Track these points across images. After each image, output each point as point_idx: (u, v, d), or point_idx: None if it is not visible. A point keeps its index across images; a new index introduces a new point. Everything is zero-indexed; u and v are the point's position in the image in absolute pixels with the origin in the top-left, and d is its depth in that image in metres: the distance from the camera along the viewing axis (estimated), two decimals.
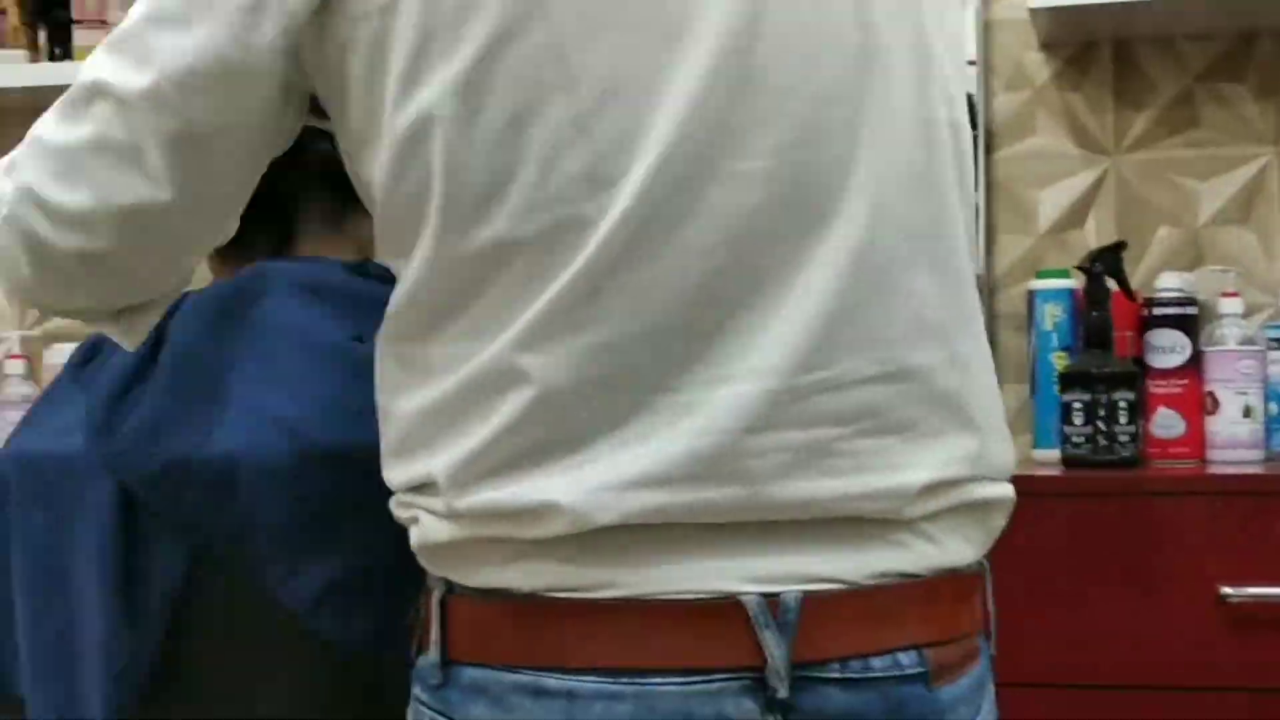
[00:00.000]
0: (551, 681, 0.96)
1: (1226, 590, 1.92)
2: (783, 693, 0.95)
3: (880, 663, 0.98)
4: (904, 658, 0.99)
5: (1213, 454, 2.24)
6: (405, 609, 1.23)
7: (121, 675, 1.26)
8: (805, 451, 0.96)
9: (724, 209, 0.96)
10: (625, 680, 0.95)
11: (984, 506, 1.05)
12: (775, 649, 0.95)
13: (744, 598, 0.95)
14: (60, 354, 2.58)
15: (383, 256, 1.09)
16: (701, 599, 0.95)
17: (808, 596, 0.96)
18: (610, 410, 0.96)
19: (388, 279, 1.41)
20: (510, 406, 0.96)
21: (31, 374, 2.72)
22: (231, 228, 1.20)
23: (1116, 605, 1.96)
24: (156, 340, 1.35)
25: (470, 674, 1.00)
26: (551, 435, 0.96)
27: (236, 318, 1.36)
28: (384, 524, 1.17)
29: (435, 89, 0.97)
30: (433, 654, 1.03)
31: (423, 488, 1.03)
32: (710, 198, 0.96)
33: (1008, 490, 1.08)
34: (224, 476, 1.25)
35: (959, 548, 1.04)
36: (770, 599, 0.95)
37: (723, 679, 0.95)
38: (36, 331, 2.82)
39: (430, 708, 1.03)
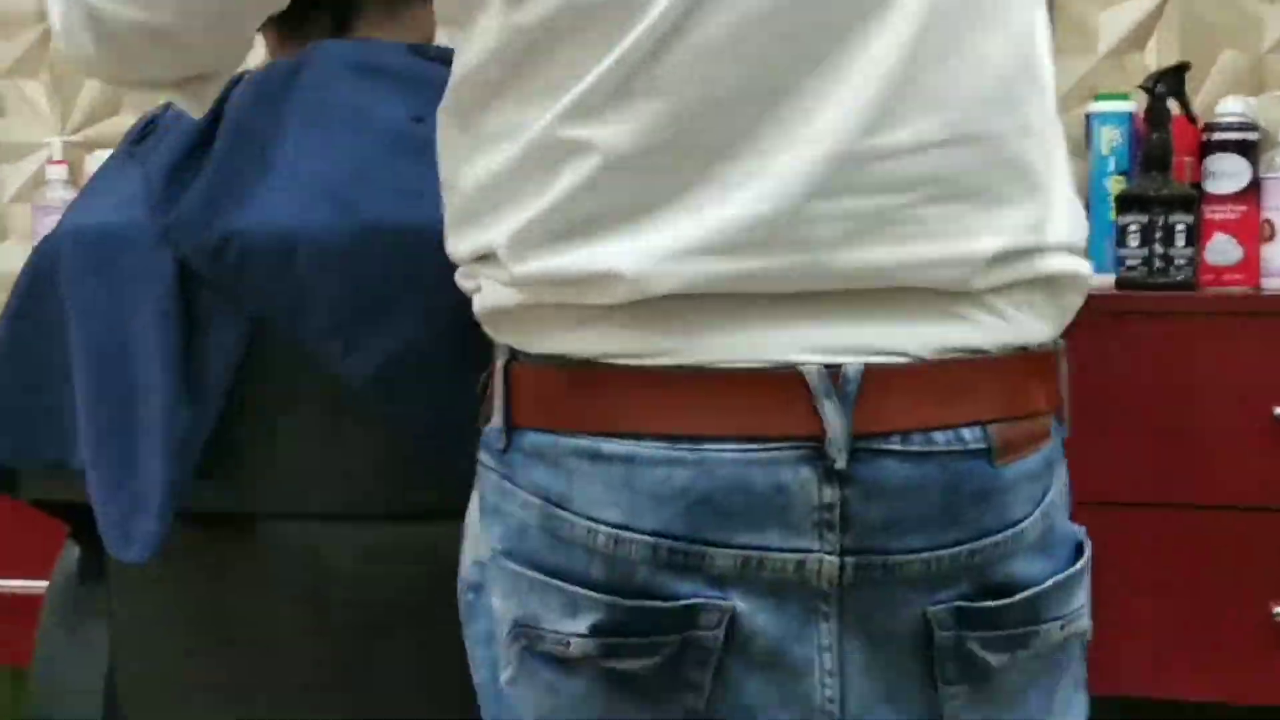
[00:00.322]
0: (610, 445, 0.97)
1: None
2: (840, 463, 0.94)
3: (942, 437, 0.97)
4: (967, 433, 0.97)
5: (1267, 282, 2.22)
6: (463, 387, 1.22)
7: (181, 447, 1.26)
8: (870, 218, 0.95)
9: None
10: (685, 446, 0.95)
11: (1056, 281, 1.03)
12: (834, 419, 0.94)
13: (804, 368, 0.95)
14: (102, 160, 2.56)
15: (444, 26, 1.07)
16: (762, 368, 0.95)
17: (869, 368, 0.95)
18: (671, 179, 0.95)
19: (447, 61, 1.40)
20: (571, 174, 0.96)
21: (72, 179, 2.71)
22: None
23: (1170, 425, 1.96)
24: (214, 116, 1.33)
25: (531, 438, 1.01)
26: (612, 203, 0.95)
27: (293, 95, 1.34)
28: (442, 302, 1.17)
29: None
30: (496, 420, 1.03)
31: (485, 258, 1.03)
32: None
33: (1081, 265, 1.05)
34: (281, 250, 1.24)
35: (1031, 324, 1.02)
36: (831, 370, 0.95)
37: (781, 447, 0.95)
38: (78, 137, 2.80)
39: (495, 472, 1.03)
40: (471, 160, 1.02)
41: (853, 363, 0.95)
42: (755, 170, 0.94)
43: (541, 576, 0.99)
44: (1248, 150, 2.23)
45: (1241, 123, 2.25)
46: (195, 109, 1.26)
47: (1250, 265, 2.22)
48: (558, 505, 0.98)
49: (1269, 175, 2.23)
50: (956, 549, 0.98)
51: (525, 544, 1.00)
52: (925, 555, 0.97)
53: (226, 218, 1.26)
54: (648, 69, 0.94)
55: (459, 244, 1.06)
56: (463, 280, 1.08)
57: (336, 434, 1.30)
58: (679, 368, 0.96)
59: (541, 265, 0.97)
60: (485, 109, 1.01)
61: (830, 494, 0.95)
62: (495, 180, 1.00)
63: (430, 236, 1.11)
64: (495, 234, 1.00)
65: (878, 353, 0.96)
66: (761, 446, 0.95)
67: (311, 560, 1.32)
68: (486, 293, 1.03)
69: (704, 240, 0.94)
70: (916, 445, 0.96)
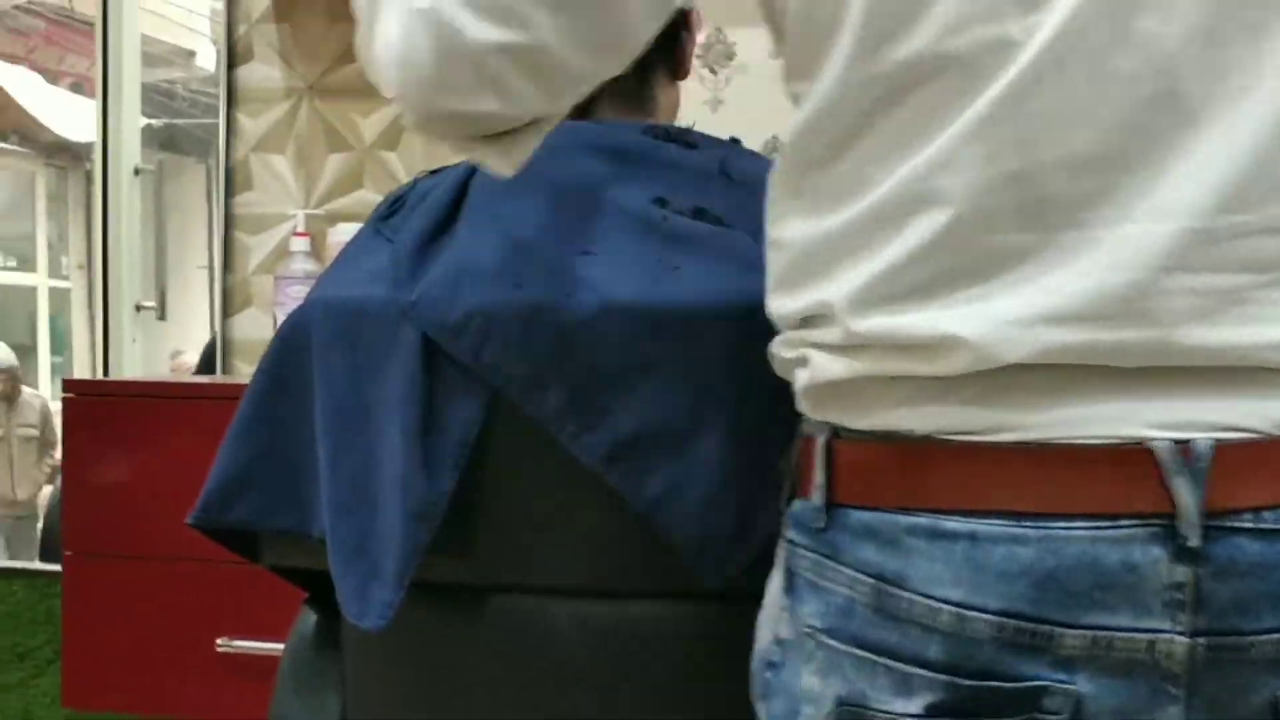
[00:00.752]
0: (951, 523, 0.95)
1: None
2: (1194, 541, 0.92)
3: None
4: None
5: None
6: (701, 471, 1.22)
7: (418, 518, 1.28)
8: (1220, 297, 0.93)
9: (1154, 37, 0.93)
10: (1029, 524, 0.93)
11: None
12: (1187, 496, 0.92)
13: (1154, 444, 0.93)
14: (343, 233, 2.63)
15: (789, 80, 1.05)
16: (1109, 444, 0.93)
17: (1220, 444, 0.93)
18: (1018, 242, 0.94)
19: (686, 142, 1.41)
20: (919, 230, 0.95)
21: (314, 251, 2.79)
22: (631, 52, 1.11)
23: None
24: (459, 195, 1.36)
25: (859, 516, 0.99)
26: (957, 264, 0.95)
27: (535, 176, 1.36)
28: (681, 383, 1.17)
29: None
30: (816, 498, 1.02)
31: (814, 319, 1.02)
32: (1140, 24, 0.93)
33: None
34: (521, 328, 1.26)
35: None
36: (1181, 445, 0.92)
37: (1130, 525, 0.93)
38: (321, 211, 2.89)
39: (811, 550, 1.02)
40: (806, 218, 1.02)
41: (1203, 439, 0.93)
42: (1106, 238, 0.93)
43: (870, 655, 0.98)
44: None
45: None
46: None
47: None
48: (892, 583, 0.97)
49: None
50: None
51: (850, 622, 0.99)
52: (1278, 636, 0.95)
53: (468, 295, 1.28)
54: (1003, 128, 0.93)
55: (786, 303, 1.04)
56: (783, 351, 1.06)
57: (570, 510, 1.31)
58: (1022, 443, 0.94)
59: (881, 323, 0.96)
60: (828, 163, 1.00)
61: (1182, 573, 0.93)
62: (835, 237, 0.99)
63: (669, 316, 1.11)
64: (831, 291, 0.99)
65: (1226, 429, 0.94)
66: (1111, 524, 0.93)
67: (541, 634, 1.33)
68: (816, 366, 1.02)
69: (1053, 309, 0.93)
70: (1269, 523, 0.93)
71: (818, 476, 1.02)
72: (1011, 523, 0.94)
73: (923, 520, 0.96)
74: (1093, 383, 0.94)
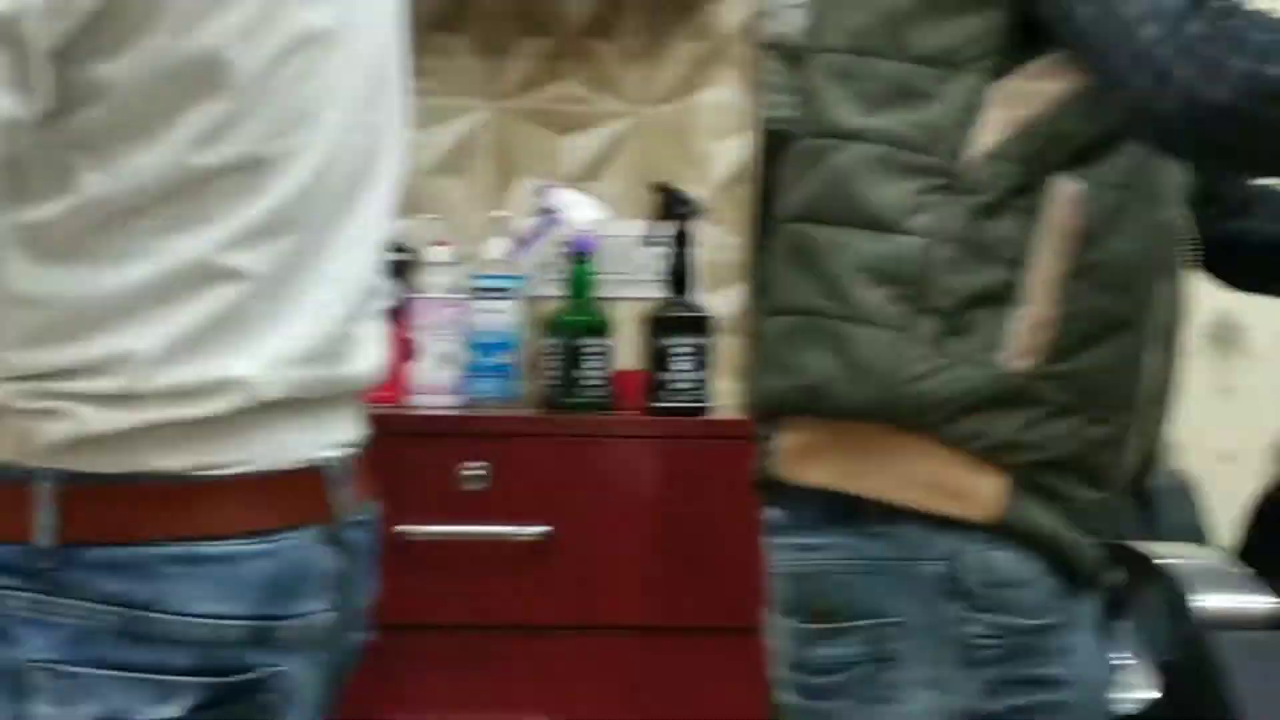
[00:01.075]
0: (205, 548, 1.09)
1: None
2: (339, 535, 1.16)
3: (371, 507, 1.23)
4: (371, 506, 1.23)
5: (414, 399, 2.31)
6: None
7: None
8: (361, 340, 1.18)
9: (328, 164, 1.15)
10: (265, 539, 1.11)
11: None
12: (335, 500, 1.16)
13: (321, 463, 1.15)
14: None
15: (109, 142, 1.10)
16: (314, 465, 1.15)
17: (348, 459, 1.18)
18: (282, 303, 1.12)
19: None
20: (214, 297, 1.09)
21: None
22: None
23: None
24: None
25: (99, 553, 1.08)
26: (244, 321, 1.10)
27: None
28: None
29: None
30: (42, 539, 1.08)
31: (82, 372, 1.08)
32: (340, 160, 1.16)
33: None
34: None
35: None
36: (331, 461, 1.16)
37: (323, 529, 1.15)
38: None
39: (27, 590, 1.08)
40: (77, 274, 1.08)
41: (341, 455, 1.17)
42: (325, 297, 1.14)
43: (123, 674, 1.08)
44: (397, 271, 2.31)
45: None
46: None
47: (396, 383, 2.28)
48: (142, 608, 1.08)
49: (416, 296, 2.32)
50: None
51: (94, 648, 1.08)
52: (365, 600, 1.23)
53: None
54: (291, 211, 1.11)
55: (40, 356, 1.09)
56: (18, 401, 1.10)
57: None
58: (256, 473, 1.11)
59: (174, 374, 1.08)
60: (119, 229, 1.08)
61: (336, 562, 1.16)
62: (121, 296, 1.08)
63: None
64: (118, 346, 1.08)
65: (350, 446, 1.19)
66: (311, 531, 1.14)
67: None
68: (81, 419, 1.08)
69: (300, 351, 1.12)
70: (363, 516, 1.20)
71: (44, 519, 1.08)
72: (256, 540, 1.10)
73: (178, 549, 1.09)
74: (298, 416, 1.13)
